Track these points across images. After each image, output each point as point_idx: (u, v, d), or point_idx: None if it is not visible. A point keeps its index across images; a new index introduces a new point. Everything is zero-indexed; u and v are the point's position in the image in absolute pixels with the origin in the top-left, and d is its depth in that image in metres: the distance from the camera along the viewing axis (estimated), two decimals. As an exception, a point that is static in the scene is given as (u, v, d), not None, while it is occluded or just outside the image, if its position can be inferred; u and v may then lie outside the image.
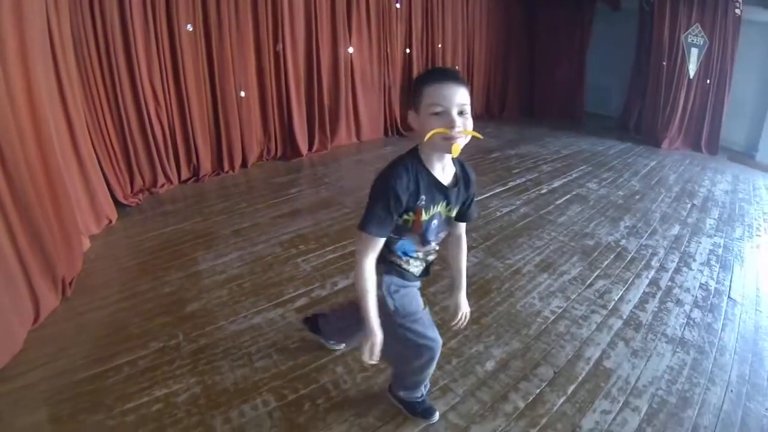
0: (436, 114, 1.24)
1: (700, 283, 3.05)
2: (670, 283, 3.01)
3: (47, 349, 2.11)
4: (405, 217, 1.37)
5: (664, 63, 6.67)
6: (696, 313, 2.68)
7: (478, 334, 2.40)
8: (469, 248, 2.79)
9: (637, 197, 4.64)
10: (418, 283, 1.62)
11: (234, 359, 2.05)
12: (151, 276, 2.76)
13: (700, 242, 3.69)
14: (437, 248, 1.56)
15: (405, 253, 1.51)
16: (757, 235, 4.00)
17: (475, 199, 1.53)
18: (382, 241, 1.36)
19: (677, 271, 3.19)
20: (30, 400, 1.81)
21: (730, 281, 3.13)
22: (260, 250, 3.10)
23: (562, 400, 1.96)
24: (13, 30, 2.51)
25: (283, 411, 1.76)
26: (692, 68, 6.63)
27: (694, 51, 6.60)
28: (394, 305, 1.51)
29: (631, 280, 3.01)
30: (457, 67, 7.22)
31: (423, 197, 1.35)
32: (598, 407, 1.93)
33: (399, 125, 6.49)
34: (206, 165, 4.53)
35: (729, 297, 2.92)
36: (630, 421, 1.86)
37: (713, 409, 1.94)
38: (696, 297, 2.87)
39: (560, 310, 2.63)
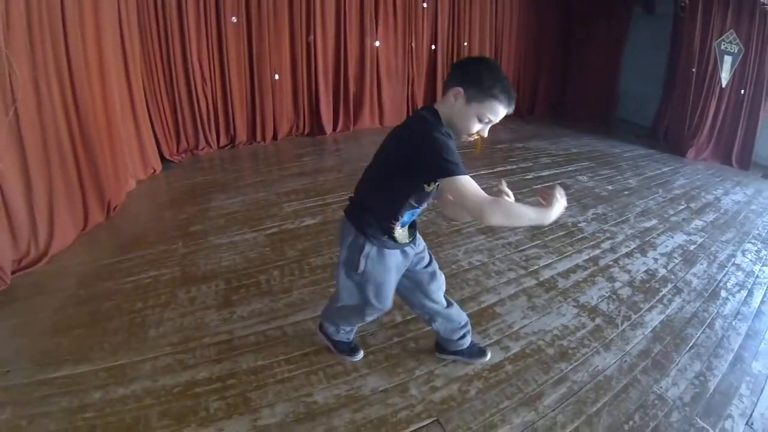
0: (481, 121, 1.37)
1: (648, 269, 3.09)
2: (611, 263, 3.10)
3: (88, 247, 3.07)
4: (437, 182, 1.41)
5: (693, 70, 6.39)
6: (624, 291, 2.77)
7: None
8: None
9: (626, 192, 4.63)
10: (405, 249, 1.66)
11: (209, 260, 2.83)
12: (175, 208, 3.64)
13: (672, 237, 3.67)
14: None
15: (404, 223, 1.58)
16: (749, 242, 3.86)
17: None
18: None
19: (628, 255, 3.25)
20: (66, 275, 2.73)
21: (686, 273, 3.11)
22: (260, 197, 3.78)
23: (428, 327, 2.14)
24: (90, 19, 3.49)
25: (225, 292, 2.50)
26: (725, 77, 6.30)
27: (728, 59, 6.26)
28: (365, 267, 1.58)
29: (569, 254, 3.16)
30: None
31: None
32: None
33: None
34: (242, 135, 5.32)
35: (675, 286, 2.92)
36: (493, 356, 2.07)
37: (592, 370, 2.03)
38: (634, 279, 2.93)
39: (478, 263, 2.88)
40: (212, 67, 4.95)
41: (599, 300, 2.66)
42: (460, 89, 1.34)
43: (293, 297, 2.45)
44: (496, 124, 1.41)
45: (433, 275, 1.82)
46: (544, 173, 4.97)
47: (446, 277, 2.63)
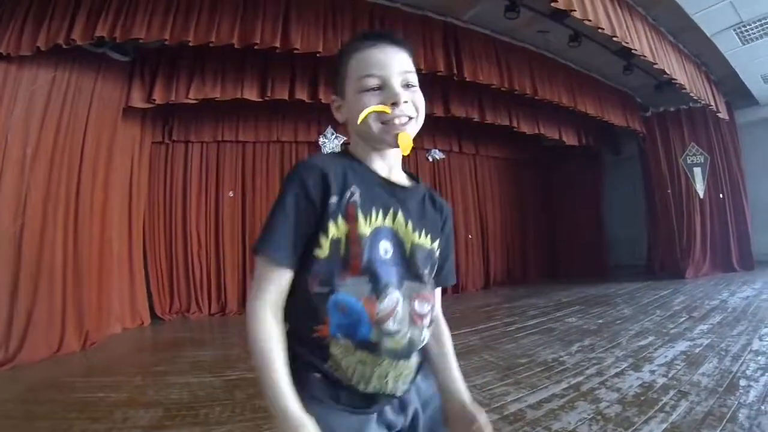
0: (371, 90, 0.85)
1: (643, 382, 2.71)
2: (596, 386, 2.72)
3: (53, 365, 3.55)
4: (332, 231, 0.81)
5: (669, 191, 6.57)
6: (613, 409, 2.38)
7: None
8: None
9: (619, 322, 4.29)
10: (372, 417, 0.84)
11: (158, 392, 2.97)
12: (148, 352, 4.01)
13: (672, 347, 3.32)
14: (423, 331, 0.88)
15: (348, 335, 0.81)
16: (767, 327, 3.49)
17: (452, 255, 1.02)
18: (285, 275, 0.81)
19: (618, 375, 2.87)
20: (21, 380, 3.22)
21: (693, 375, 2.73)
22: (233, 353, 3.91)
23: None
24: (102, 169, 4.40)
25: (160, 418, 2.56)
26: (700, 187, 6.47)
27: (697, 170, 6.49)
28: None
29: (545, 386, 2.79)
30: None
31: (355, 189, 0.84)
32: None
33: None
34: (233, 304, 5.54)
35: (680, 390, 2.53)
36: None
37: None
38: (625, 395, 2.54)
39: None
40: (208, 235, 5.49)
41: (578, 423, 2.25)
42: (332, 98, 0.96)
43: (224, 429, 2.35)
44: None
45: None
46: (528, 323, 4.68)
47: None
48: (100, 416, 2.55)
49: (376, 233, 0.84)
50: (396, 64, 0.87)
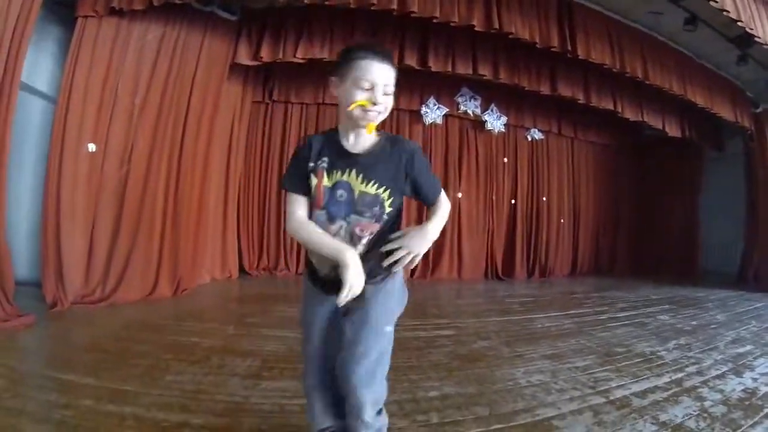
0: (363, 89, 1.30)
1: (746, 388, 2.73)
2: (698, 384, 2.77)
3: (147, 306, 3.83)
4: (309, 182, 1.38)
5: None
6: (718, 409, 2.43)
7: (442, 376, 2.67)
8: (484, 338, 3.35)
9: (713, 326, 4.25)
10: (327, 301, 1.45)
11: (253, 343, 3.14)
12: (238, 303, 4.34)
13: None
14: (361, 244, 1.39)
15: None
16: None
17: (429, 180, 1.45)
18: (302, 199, 1.38)
19: (719, 377, 2.90)
20: (117, 318, 3.49)
21: None
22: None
23: (479, 430, 2.03)
24: (206, 126, 4.61)
25: (258, 369, 2.71)
26: None
27: None
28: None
29: (646, 377, 2.86)
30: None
31: (326, 159, 1.38)
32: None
33: (499, 270, 6.90)
34: None
35: None
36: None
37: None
38: (729, 397, 2.58)
39: (538, 382, 2.69)
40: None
41: (685, 417, 2.33)
42: (332, 78, 1.40)
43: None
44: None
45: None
46: (619, 315, 4.73)
47: (500, 392, 2.53)
48: (196, 360, 2.69)
49: (336, 185, 1.36)
50: (383, 77, 1.32)
